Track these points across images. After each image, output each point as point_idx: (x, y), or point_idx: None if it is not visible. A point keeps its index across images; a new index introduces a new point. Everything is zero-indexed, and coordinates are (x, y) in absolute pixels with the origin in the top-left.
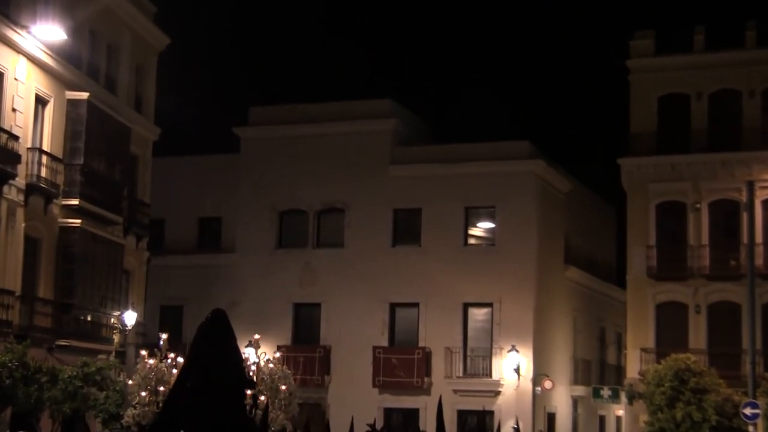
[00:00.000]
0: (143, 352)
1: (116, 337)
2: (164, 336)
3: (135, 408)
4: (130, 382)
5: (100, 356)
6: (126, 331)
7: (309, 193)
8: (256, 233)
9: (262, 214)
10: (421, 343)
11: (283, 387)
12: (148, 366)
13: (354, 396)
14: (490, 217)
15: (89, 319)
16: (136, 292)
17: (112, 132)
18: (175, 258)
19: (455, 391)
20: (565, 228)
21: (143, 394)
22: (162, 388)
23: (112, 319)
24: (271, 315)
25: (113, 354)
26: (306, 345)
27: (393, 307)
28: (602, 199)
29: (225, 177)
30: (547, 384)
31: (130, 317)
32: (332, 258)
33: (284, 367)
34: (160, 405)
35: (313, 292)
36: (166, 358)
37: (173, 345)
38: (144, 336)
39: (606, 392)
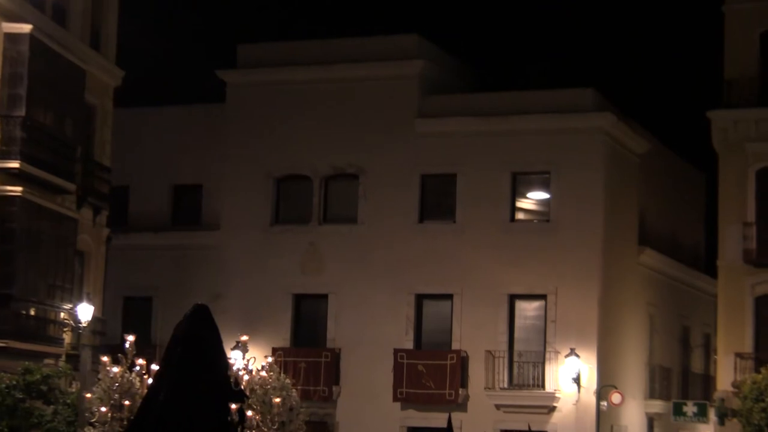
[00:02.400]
0: (105, 358)
1: (67, 337)
2: (131, 338)
3: (94, 427)
4: (88, 395)
5: (47, 361)
6: (80, 329)
7: (313, 154)
8: (246, 205)
9: (254, 180)
10: (455, 346)
11: (277, 400)
12: (111, 375)
13: (370, 412)
14: (544, 186)
15: (33, 313)
16: (93, 279)
17: (63, 75)
18: (142, 236)
19: (498, 407)
20: (640, 200)
21: (103, 409)
22: (127, 402)
23: (63, 314)
24: (265, 310)
25: (63, 358)
26: (309, 348)
27: (420, 299)
28: (688, 164)
29: (207, 133)
30: (616, 398)
31: (85, 311)
32: (343, 237)
33: (283, 375)
34: (126, 423)
35: (318, 280)
36: (134, 365)
37: (140, 347)
38: (103, 335)
39: (690, 408)
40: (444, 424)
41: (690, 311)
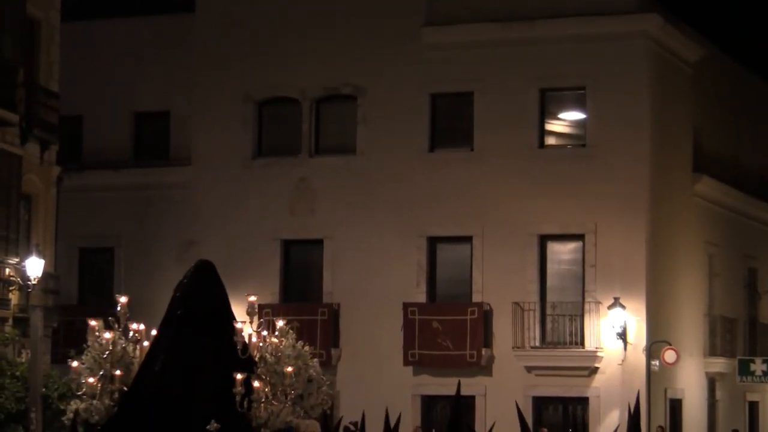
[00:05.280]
0: (93, 323)
1: (14, 297)
2: (123, 299)
3: (81, 400)
4: (75, 363)
5: None
6: (29, 287)
7: (302, 72)
8: (223, 135)
9: (231, 105)
10: (476, 298)
11: (289, 369)
12: (102, 342)
13: (376, 379)
14: (579, 105)
15: None
16: (43, 228)
17: None
18: (99, 175)
19: (529, 369)
20: (695, 118)
21: (91, 380)
22: (119, 373)
23: (8, 271)
24: (248, 260)
25: (10, 322)
26: (302, 303)
27: (433, 243)
28: (751, 74)
29: (173, 50)
30: (669, 356)
31: (35, 267)
32: (339, 171)
33: (300, 342)
34: (118, 395)
35: (311, 223)
36: (128, 330)
37: (100, 308)
38: (56, 295)
39: (759, 367)
40: (465, 392)
41: (757, 250)
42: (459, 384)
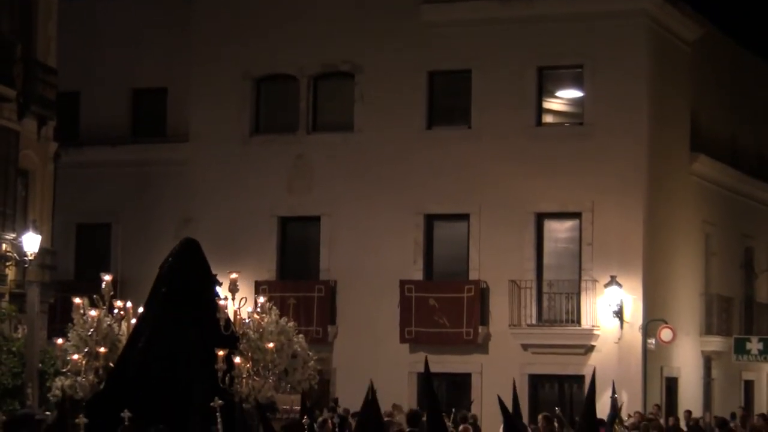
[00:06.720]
0: (78, 300)
1: (11, 273)
2: (107, 277)
3: (66, 377)
4: (60, 341)
5: None
6: (26, 263)
7: (300, 49)
8: (220, 112)
9: (229, 82)
10: (473, 276)
11: (270, 345)
12: (89, 319)
13: (373, 356)
14: (577, 83)
15: None
16: (40, 204)
17: None
18: (97, 151)
19: (525, 347)
20: (693, 97)
21: (75, 357)
22: (103, 350)
23: (4, 246)
24: (245, 237)
25: (6, 298)
26: (299, 280)
27: (430, 220)
28: (749, 53)
29: (171, 26)
30: (666, 334)
31: (32, 242)
32: (337, 148)
33: (284, 318)
34: (102, 372)
35: (308, 200)
36: (112, 307)
37: (95, 283)
38: (53, 270)
39: (755, 345)
40: (462, 370)
41: (754, 229)
42: (426, 359)
